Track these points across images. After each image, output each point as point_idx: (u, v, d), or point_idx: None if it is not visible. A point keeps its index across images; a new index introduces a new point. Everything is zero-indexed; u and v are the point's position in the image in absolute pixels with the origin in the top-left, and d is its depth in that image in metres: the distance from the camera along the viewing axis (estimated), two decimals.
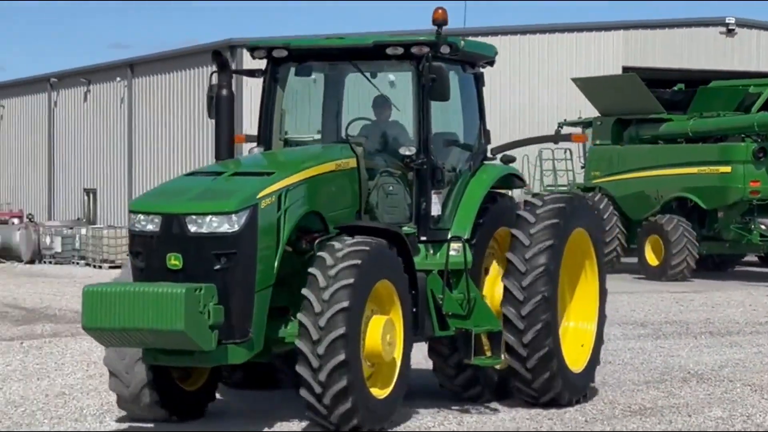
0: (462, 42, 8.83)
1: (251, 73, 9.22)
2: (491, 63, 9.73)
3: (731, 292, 21.71)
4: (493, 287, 9.20)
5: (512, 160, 10.24)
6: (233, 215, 7.36)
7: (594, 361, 9.68)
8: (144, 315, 7.04)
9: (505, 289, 8.79)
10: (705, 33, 36.03)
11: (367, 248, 7.61)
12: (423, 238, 8.67)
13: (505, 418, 8.59)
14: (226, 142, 8.82)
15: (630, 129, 25.35)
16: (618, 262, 24.41)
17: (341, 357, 7.21)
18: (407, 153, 8.62)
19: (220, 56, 8.74)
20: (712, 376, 10.85)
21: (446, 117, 9.25)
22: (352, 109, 9.45)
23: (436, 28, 8.57)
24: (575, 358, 9.41)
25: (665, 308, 18.55)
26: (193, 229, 7.36)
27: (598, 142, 26.12)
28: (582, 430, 8.15)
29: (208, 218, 7.36)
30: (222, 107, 8.71)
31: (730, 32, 35.85)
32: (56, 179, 44.13)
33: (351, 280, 7.34)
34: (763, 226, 23.87)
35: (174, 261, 7.38)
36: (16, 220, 38.38)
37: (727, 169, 22.75)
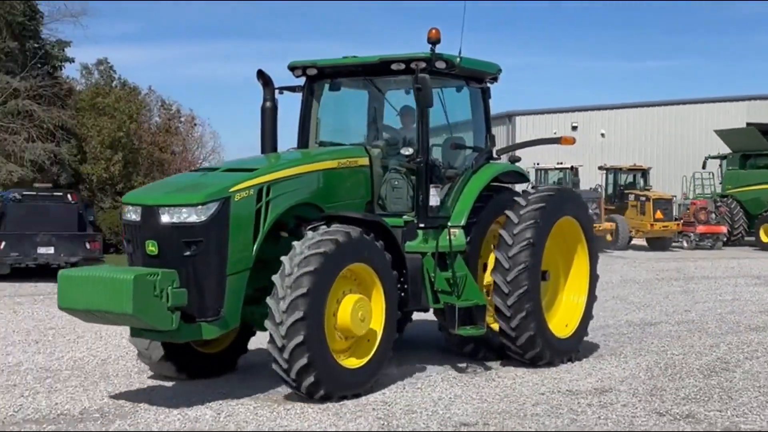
0: (458, 59, 10.08)
1: (292, 89, 10.64)
2: (495, 79, 11.02)
3: None
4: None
5: (517, 159, 11.55)
6: (200, 207, 8.23)
7: (581, 330, 10.92)
8: (102, 298, 7.89)
9: (495, 259, 10.06)
10: None
11: (336, 237, 8.40)
12: (421, 225, 9.88)
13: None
14: (270, 147, 10.21)
15: (750, 160, 36.69)
16: (743, 240, 35.05)
17: (299, 338, 8.00)
18: (406, 153, 9.98)
19: (264, 75, 10.07)
20: None
21: (457, 124, 10.75)
22: (388, 117, 10.88)
23: (431, 46, 9.77)
24: (562, 327, 10.70)
25: None
26: (165, 218, 8.28)
27: (730, 167, 37.48)
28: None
29: (177, 209, 8.27)
30: (266, 117, 10.21)
31: None
32: None
33: (312, 267, 8.10)
34: None
35: (151, 247, 8.32)
36: None
37: None
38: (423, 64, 9.71)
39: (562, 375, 9.92)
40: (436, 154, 10.55)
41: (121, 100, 34.31)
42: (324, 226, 8.72)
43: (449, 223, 10.04)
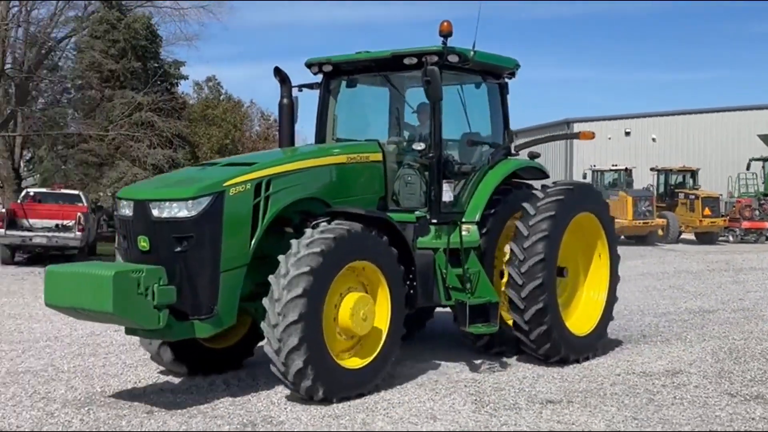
0: (472, 52, 8.64)
1: (310, 86, 9.39)
2: (513, 74, 9.55)
3: None
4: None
5: (537, 155, 9.98)
6: (190, 201, 7.04)
7: (601, 328, 9.43)
8: (85, 296, 6.77)
9: (510, 251, 8.68)
10: None
11: (335, 234, 7.20)
12: (434, 221, 8.53)
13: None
14: (287, 143, 9.08)
15: None
16: None
17: (295, 341, 6.88)
18: (418, 148, 8.61)
19: (281, 72, 8.98)
20: None
21: (474, 119, 9.17)
22: (407, 114, 9.46)
23: (442, 39, 8.40)
24: (580, 325, 9.19)
25: None
26: (156, 213, 7.12)
27: None
28: None
29: (168, 204, 7.10)
30: (284, 114, 9.06)
31: None
32: None
33: (308, 268, 6.93)
34: None
35: (143, 243, 7.17)
36: None
37: None
38: (435, 58, 8.32)
39: (634, 357, 9.32)
40: (453, 150, 9.13)
41: (228, 111, 34.67)
42: (325, 223, 7.44)
43: (463, 219, 8.60)
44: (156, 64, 32.85)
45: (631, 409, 7.22)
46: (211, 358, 8.22)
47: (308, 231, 7.32)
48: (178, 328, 7.05)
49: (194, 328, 7.10)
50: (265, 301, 7.04)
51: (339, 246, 7.18)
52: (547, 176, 9.73)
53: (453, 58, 8.50)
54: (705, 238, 30.94)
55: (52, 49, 30.75)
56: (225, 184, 7.19)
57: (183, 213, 7.05)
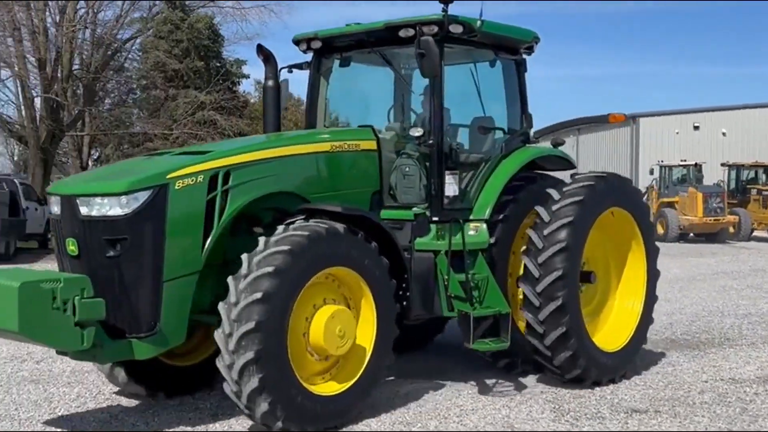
0: (479, 22, 7.02)
1: (299, 66, 7.97)
2: (530, 49, 7.89)
3: None
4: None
5: (561, 143, 8.34)
6: (123, 197, 5.63)
7: (638, 340, 7.80)
8: None
9: (524, 266, 7.10)
10: None
11: (308, 233, 5.79)
12: (435, 219, 6.98)
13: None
14: (272, 129, 7.69)
15: None
16: None
17: (251, 354, 5.44)
18: (416, 134, 7.08)
19: (264, 49, 7.60)
20: None
21: (487, 102, 7.64)
22: (415, 99, 7.95)
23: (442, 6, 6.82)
24: (612, 339, 7.59)
25: None
26: (84, 211, 5.74)
27: None
28: None
29: (97, 200, 5.70)
30: (268, 97, 7.66)
31: None
32: None
33: (272, 269, 5.55)
34: None
35: (71, 246, 5.81)
36: None
37: None
38: (434, 28, 6.79)
39: (720, 363, 8.37)
40: (463, 137, 7.69)
41: (288, 110, 34.64)
42: (301, 221, 6.06)
43: (470, 217, 7.11)
44: (218, 64, 32.86)
45: (725, 419, 6.44)
46: (176, 376, 6.84)
47: (280, 228, 5.93)
48: (111, 349, 5.68)
49: (132, 348, 5.72)
50: (220, 306, 5.63)
51: (314, 246, 5.77)
52: (573, 166, 8.16)
53: (456, 29, 6.92)
54: None
55: (118, 50, 30.63)
56: (169, 176, 5.75)
57: (115, 211, 5.65)
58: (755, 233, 29.82)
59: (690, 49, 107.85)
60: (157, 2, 31.98)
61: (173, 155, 6.43)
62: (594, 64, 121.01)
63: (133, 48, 32.53)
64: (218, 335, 5.61)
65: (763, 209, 29.56)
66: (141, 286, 5.72)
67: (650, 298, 7.94)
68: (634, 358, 7.83)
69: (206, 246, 5.96)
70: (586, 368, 7.18)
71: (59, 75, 27.69)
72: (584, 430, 6.21)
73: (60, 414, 6.63)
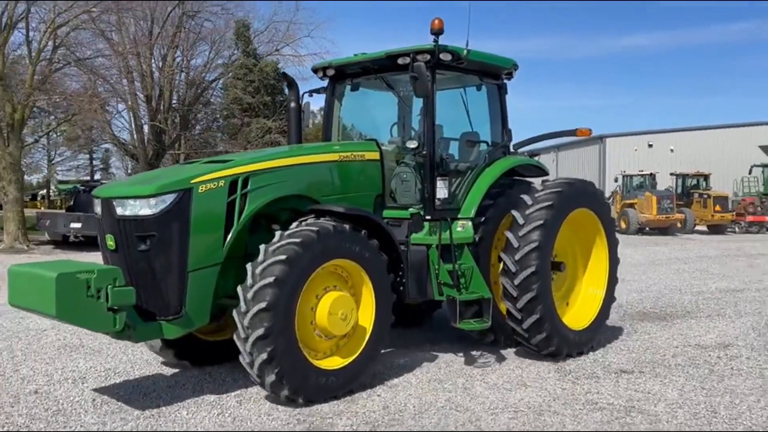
0: (465, 51, 6.31)
1: (317, 90, 7.28)
2: (510, 75, 7.09)
3: None
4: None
5: (536, 154, 7.64)
6: (151, 199, 5.09)
7: (601, 318, 6.96)
8: (34, 297, 4.81)
9: (506, 239, 6.33)
10: None
11: (300, 239, 5.13)
12: (428, 217, 6.31)
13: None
14: (295, 141, 7.01)
15: None
16: None
17: (260, 331, 4.90)
18: (411, 146, 6.39)
19: (287, 77, 6.96)
20: None
21: (474, 120, 6.93)
22: (414, 117, 7.18)
23: (434, 37, 6.13)
24: (579, 318, 6.81)
25: None
26: (119, 211, 5.21)
27: None
28: None
29: (129, 201, 5.17)
30: (291, 117, 6.97)
31: None
32: None
33: (285, 256, 5.00)
34: None
35: (110, 242, 5.29)
36: None
37: None
38: (427, 56, 6.14)
39: (686, 332, 7.77)
40: (453, 149, 6.99)
41: (309, 127, 33.99)
42: (313, 219, 5.46)
43: (458, 216, 6.42)
44: (281, 98, 32.24)
45: (697, 379, 5.95)
46: (208, 349, 6.19)
47: (294, 224, 5.36)
48: (143, 330, 5.12)
49: (161, 329, 5.18)
50: (239, 288, 5.10)
51: (322, 240, 5.19)
52: (546, 173, 7.34)
53: (446, 57, 6.25)
54: (715, 229, 28.02)
55: (205, 88, 30.41)
56: (192, 182, 5.18)
57: (144, 211, 5.13)
58: (697, 227, 28.77)
59: (646, 86, 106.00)
60: (235, 52, 31.45)
61: (201, 164, 5.75)
62: (568, 98, 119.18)
63: (217, 86, 32.03)
64: (236, 313, 5.06)
65: (703, 209, 28.52)
66: (168, 275, 5.16)
67: (612, 283, 7.11)
68: (599, 333, 7.01)
69: (227, 241, 5.33)
70: (558, 345, 6.43)
71: (161, 107, 27.44)
72: (584, 387, 5.76)
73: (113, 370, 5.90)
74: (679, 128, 41.78)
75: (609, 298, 7.07)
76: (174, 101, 28.91)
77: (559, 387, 5.70)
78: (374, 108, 7.63)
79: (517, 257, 6.22)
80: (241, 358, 5.11)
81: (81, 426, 4.84)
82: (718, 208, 27.94)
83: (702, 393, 5.54)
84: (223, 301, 5.49)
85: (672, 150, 39.49)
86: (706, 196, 28.45)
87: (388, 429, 4.76)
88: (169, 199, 5.11)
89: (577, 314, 6.90)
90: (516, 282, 6.22)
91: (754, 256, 18.06)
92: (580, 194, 6.78)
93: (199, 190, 5.20)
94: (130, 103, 27.31)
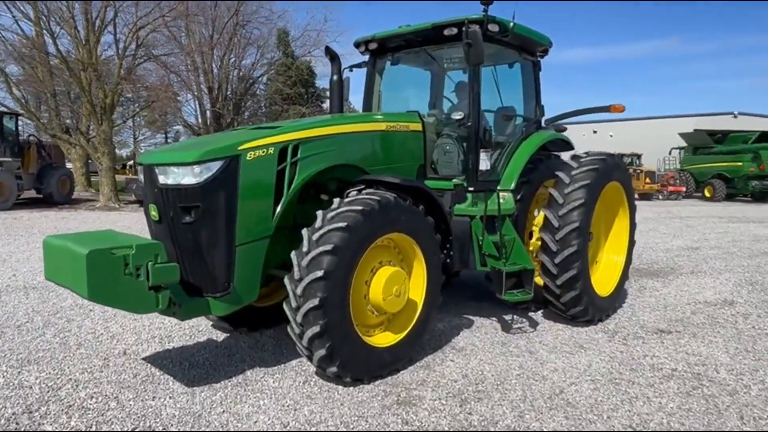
0: (512, 23, 4.76)
1: (358, 65, 5.62)
2: (545, 52, 5.49)
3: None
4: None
5: (563, 129, 5.99)
6: (195, 167, 3.41)
7: (620, 288, 5.46)
8: (68, 274, 3.13)
9: (544, 217, 4.82)
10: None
11: (361, 207, 3.62)
12: (471, 189, 4.76)
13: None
14: (336, 112, 5.29)
15: (698, 150, 28.26)
16: (692, 196, 27.28)
17: (315, 301, 3.39)
18: (457, 117, 4.86)
19: (330, 50, 5.29)
20: None
21: (508, 95, 5.35)
22: (448, 93, 5.66)
23: (483, 7, 4.57)
24: (603, 285, 5.31)
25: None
26: (162, 179, 3.56)
27: (686, 154, 28.73)
28: None
29: (173, 169, 3.50)
30: (334, 90, 5.33)
31: (735, 117, 34.80)
32: None
33: (344, 224, 3.50)
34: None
35: (153, 212, 3.65)
36: None
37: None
38: (476, 26, 4.49)
39: (684, 288, 6.19)
40: (489, 123, 5.33)
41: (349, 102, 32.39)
42: (356, 192, 3.96)
43: (499, 187, 4.87)
44: (313, 90, 30.76)
45: (733, 340, 4.54)
46: (257, 315, 4.59)
47: (335, 202, 3.74)
48: (189, 307, 3.52)
49: (209, 305, 3.58)
50: (293, 253, 3.57)
51: (367, 219, 3.59)
52: (572, 148, 5.93)
53: (493, 27, 4.67)
54: (645, 197, 26.73)
55: (253, 82, 28.85)
56: (240, 148, 3.52)
57: (188, 180, 3.46)
58: None
59: (583, 88, 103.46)
60: (277, 54, 29.92)
61: (247, 130, 4.03)
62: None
63: (262, 81, 30.38)
64: (288, 280, 3.52)
65: (636, 181, 27.08)
66: (215, 249, 3.54)
67: (631, 246, 5.64)
68: (617, 302, 5.52)
69: (276, 213, 3.69)
70: (585, 307, 4.88)
71: (220, 97, 25.92)
72: (637, 349, 4.38)
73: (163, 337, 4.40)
74: (617, 119, 40.27)
75: (629, 261, 5.64)
76: (229, 92, 27.43)
77: (616, 349, 4.37)
78: (410, 83, 6.05)
79: (557, 237, 4.72)
80: (289, 329, 3.58)
81: (170, 396, 3.42)
82: (647, 180, 26.86)
83: (749, 357, 4.20)
84: (272, 272, 3.97)
85: (611, 135, 38.13)
86: (639, 171, 27.21)
87: (478, 403, 3.39)
88: (215, 166, 3.44)
89: (601, 280, 5.43)
90: (557, 260, 4.73)
91: (684, 218, 16.63)
92: (611, 169, 5.27)
93: (248, 157, 3.53)
94: (196, 93, 25.86)
